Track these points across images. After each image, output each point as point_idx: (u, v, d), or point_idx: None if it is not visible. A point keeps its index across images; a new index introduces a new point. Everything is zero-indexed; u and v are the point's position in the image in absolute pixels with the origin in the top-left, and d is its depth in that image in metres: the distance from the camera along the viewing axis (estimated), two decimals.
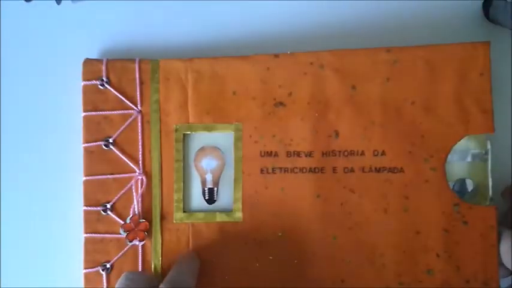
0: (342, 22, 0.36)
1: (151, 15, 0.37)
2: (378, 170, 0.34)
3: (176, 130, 0.35)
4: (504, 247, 0.33)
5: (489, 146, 0.34)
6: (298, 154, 0.34)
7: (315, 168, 0.34)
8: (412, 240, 0.34)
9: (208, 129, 0.35)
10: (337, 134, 0.34)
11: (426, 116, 0.34)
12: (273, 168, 0.35)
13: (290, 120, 0.35)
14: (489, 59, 0.33)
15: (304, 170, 0.34)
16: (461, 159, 0.35)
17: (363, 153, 0.34)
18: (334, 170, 0.34)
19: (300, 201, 0.34)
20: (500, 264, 0.33)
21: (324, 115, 0.34)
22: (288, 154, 0.35)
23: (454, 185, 0.34)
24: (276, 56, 0.35)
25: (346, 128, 0.34)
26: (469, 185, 0.35)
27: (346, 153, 0.34)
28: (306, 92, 0.35)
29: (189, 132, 0.35)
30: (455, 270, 0.33)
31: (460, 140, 0.34)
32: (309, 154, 0.34)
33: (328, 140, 0.34)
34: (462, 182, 0.35)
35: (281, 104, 0.35)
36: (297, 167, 0.34)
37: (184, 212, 0.35)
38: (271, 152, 0.35)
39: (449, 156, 0.34)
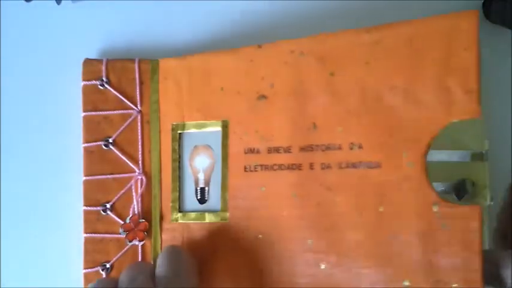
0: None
1: (151, 15, 0.37)
2: (354, 166, 0.31)
3: (173, 129, 0.35)
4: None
5: (487, 147, 0.34)
6: (277, 150, 0.33)
7: (292, 165, 0.32)
8: (388, 245, 0.30)
9: (199, 127, 0.35)
10: (315, 126, 0.32)
11: (406, 101, 0.30)
12: (255, 166, 0.33)
13: (271, 113, 0.33)
14: (476, 31, 0.29)
15: (283, 167, 0.33)
16: (461, 159, 0.35)
17: (339, 147, 0.32)
18: (311, 166, 0.32)
19: (278, 200, 0.33)
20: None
21: (304, 107, 0.32)
22: (269, 150, 0.33)
23: (453, 185, 0.34)
24: (259, 46, 0.33)
25: (323, 119, 0.32)
26: (469, 186, 0.34)
27: (323, 147, 0.32)
28: (287, 82, 0.33)
29: (184, 131, 0.35)
30: (434, 282, 0.30)
31: (443, 128, 0.30)
32: (287, 150, 0.32)
33: (306, 134, 0.32)
34: (462, 182, 0.35)
35: (263, 97, 0.33)
36: (276, 164, 0.33)
37: (180, 212, 0.35)
38: (253, 148, 0.33)
39: (448, 156, 0.33)
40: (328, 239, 0.32)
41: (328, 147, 0.32)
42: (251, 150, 0.33)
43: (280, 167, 0.33)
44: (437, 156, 0.35)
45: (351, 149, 0.31)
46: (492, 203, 0.34)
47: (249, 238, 0.33)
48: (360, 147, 0.31)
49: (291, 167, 0.32)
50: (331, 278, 0.31)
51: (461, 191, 0.35)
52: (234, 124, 0.34)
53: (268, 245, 0.32)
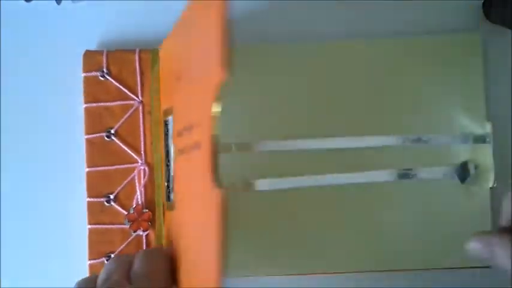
0: None
1: (152, 14, 0.37)
2: (189, 150, 0.28)
3: (163, 118, 0.35)
4: None
5: (490, 130, 0.34)
6: (178, 134, 0.31)
7: (179, 151, 0.31)
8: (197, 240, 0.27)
9: (168, 114, 0.34)
10: (188, 108, 0.29)
11: (201, 78, 0.26)
12: (179, 151, 0.31)
13: (180, 95, 0.31)
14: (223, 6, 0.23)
15: (178, 152, 0.31)
16: (464, 141, 0.35)
17: (185, 129, 0.29)
18: (180, 152, 0.30)
19: (177, 189, 0.31)
20: None
21: (189, 88, 0.29)
22: (178, 134, 0.31)
23: (455, 168, 0.34)
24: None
25: (182, 100, 0.30)
26: (471, 168, 0.34)
27: (184, 131, 0.29)
28: (187, 63, 0.30)
29: (167, 118, 0.34)
30: None
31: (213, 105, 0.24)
32: (180, 134, 0.31)
33: (185, 116, 0.29)
34: (464, 164, 0.35)
35: (179, 78, 0.31)
36: (179, 149, 0.31)
37: (167, 201, 0.35)
38: (178, 133, 0.32)
39: (451, 139, 0.33)
40: (177, 236, 0.30)
41: (184, 130, 0.29)
42: (178, 134, 0.31)
43: (177, 152, 0.31)
44: (439, 139, 0.35)
45: (187, 130, 0.28)
46: (496, 185, 0.34)
47: (178, 230, 0.31)
48: (191, 128, 0.28)
49: (180, 153, 0.30)
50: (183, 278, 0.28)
51: (463, 173, 0.35)
52: (175, 110, 0.32)
53: (180, 240, 0.30)
